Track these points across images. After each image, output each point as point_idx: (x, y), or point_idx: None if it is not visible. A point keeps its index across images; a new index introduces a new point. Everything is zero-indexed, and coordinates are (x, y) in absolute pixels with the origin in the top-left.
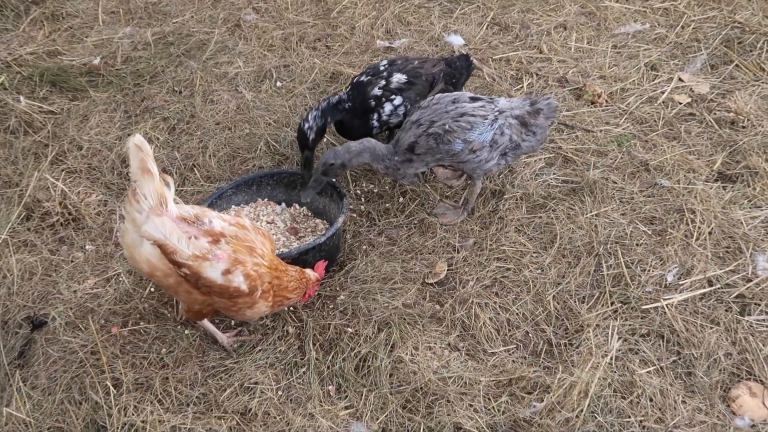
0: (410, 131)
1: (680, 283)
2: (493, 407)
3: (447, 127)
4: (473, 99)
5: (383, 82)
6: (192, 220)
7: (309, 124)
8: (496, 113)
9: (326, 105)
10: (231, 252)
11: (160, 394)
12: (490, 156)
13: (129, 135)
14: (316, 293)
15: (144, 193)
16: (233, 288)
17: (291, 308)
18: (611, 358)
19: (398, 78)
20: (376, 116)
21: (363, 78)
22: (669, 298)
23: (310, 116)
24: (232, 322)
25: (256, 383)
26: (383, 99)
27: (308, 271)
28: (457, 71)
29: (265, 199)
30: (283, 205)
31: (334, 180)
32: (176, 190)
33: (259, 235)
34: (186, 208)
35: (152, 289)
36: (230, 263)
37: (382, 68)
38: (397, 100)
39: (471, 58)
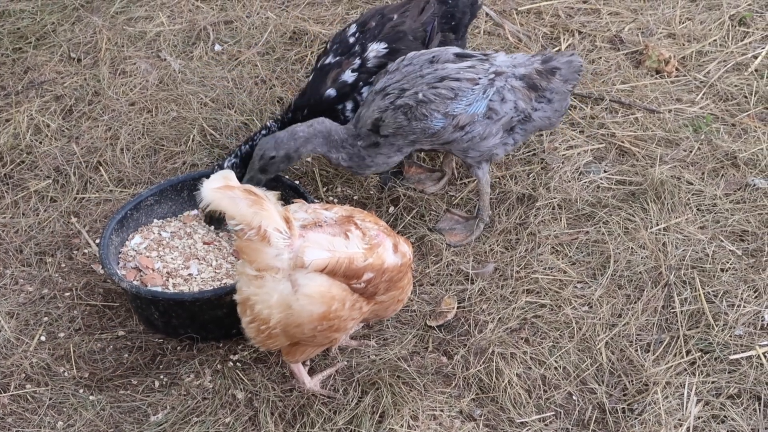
0: (373, 104)
1: None
2: None
3: (420, 96)
4: (460, 57)
5: (357, 61)
6: (318, 221)
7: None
8: (492, 75)
9: (247, 149)
10: (375, 225)
11: None
12: (488, 130)
13: (7, 120)
14: None
15: (276, 227)
16: (406, 260)
17: (239, 364)
18: (688, 429)
19: (376, 50)
20: (350, 105)
21: (328, 61)
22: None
23: (226, 163)
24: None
25: None
26: (360, 83)
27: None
28: (457, 10)
29: (201, 210)
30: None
31: (290, 180)
32: (75, 198)
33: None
34: (298, 214)
35: (42, 338)
36: (390, 236)
37: (352, 40)
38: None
39: None
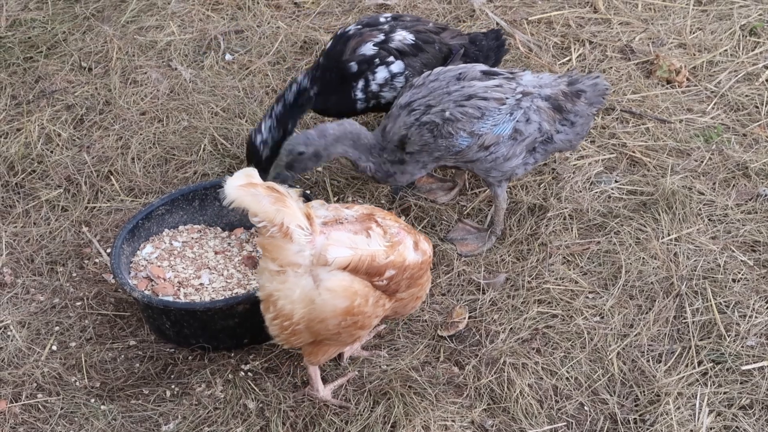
0: (399, 119)
1: None
2: None
3: (447, 114)
4: (487, 74)
5: (381, 36)
6: (339, 218)
7: (263, 137)
8: (519, 95)
9: (281, 109)
10: (396, 223)
11: None
12: (512, 151)
13: (18, 129)
14: None
15: (297, 224)
16: (427, 258)
17: (250, 373)
18: None
19: (403, 36)
20: (362, 84)
21: (350, 29)
22: None
23: (263, 126)
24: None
25: None
26: (377, 61)
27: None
28: (481, 52)
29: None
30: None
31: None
32: (86, 207)
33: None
34: (319, 212)
35: (54, 348)
36: (411, 233)
37: (382, 20)
38: (397, 65)
39: (503, 36)
